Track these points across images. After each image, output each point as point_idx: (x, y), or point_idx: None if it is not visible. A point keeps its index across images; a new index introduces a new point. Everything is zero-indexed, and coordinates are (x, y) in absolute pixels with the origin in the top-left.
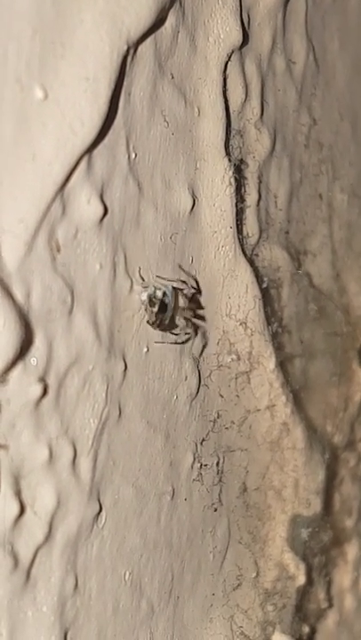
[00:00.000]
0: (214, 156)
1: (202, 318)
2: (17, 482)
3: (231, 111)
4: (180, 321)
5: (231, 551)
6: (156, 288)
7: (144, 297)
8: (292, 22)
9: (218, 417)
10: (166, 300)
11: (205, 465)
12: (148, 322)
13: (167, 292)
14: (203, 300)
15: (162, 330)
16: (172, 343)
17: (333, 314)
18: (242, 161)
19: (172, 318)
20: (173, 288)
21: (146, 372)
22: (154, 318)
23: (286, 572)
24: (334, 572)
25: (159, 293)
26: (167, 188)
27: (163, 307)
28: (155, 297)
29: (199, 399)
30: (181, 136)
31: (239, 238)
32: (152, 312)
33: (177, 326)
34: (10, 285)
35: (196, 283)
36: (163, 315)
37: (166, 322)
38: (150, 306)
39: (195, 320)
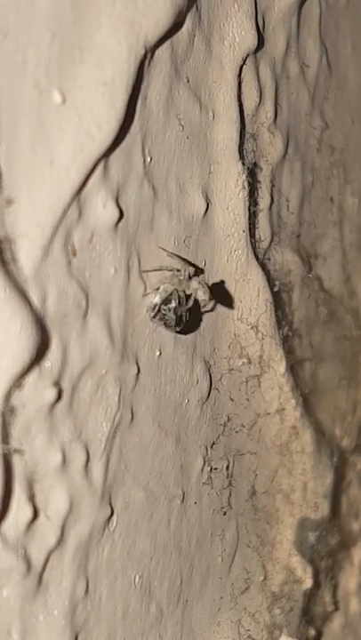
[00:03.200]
0: (228, 159)
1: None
2: (31, 486)
3: (245, 115)
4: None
5: (239, 554)
6: (166, 291)
7: (156, 300)
8: (306, 26)
9: (228, 420)
10: (181, 295)
11: (215, 468)
12: (164, 323)
13: (178, 290)
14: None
15: (180, 331)
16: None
17: (343, 317)
18: (255, 164)
19: (192, 320)
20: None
21: (158, 376)
22: (172, 314)
23: (294, 575)
24: (340, 575)
25: (172, 290)
26: (181, 191)
27: (181, 302)
28: (171, 294)
29: (210, 403)
30: (196, 139)
31: (251, 242)
32: (169, 310)
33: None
34: (27, 290)
35: (192, 264)
36: (180, 310)
37: (184, 319)
38: (165, 304)
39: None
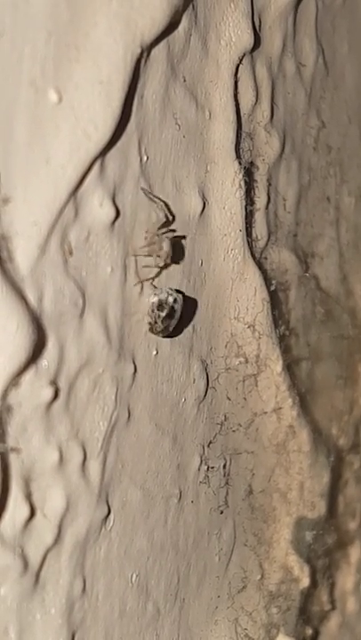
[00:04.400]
0: (225, 158)
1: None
2: (27, 485)
3: (242, 114)
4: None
5: (236, 553)
6: (168, 294)
7: (154, 300)
8: (302, 25)
9: (225, 419)
10: (176, 307)
11: (212, 467)
12: (150, 328)
13: (178, 300)
14: (211, 303)
15: (164, 336)
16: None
17: (340, 317)
18: (252, 164)
19: (177, 328)
20: (183, 297)
21: (155, 375)
22: (160, 323)
23: (291, 574)
24: (337, 574)
25: (171, 299)
26: (178, 190)
27: (171, 313)
28: (166, 302)
29: (207, 402)
30: (192, 139)
31: (248, 241)
32: (159, 316)
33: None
34: (23, 289)
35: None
36: (169, 322)
37: (171, 330)
38: (158, 310)
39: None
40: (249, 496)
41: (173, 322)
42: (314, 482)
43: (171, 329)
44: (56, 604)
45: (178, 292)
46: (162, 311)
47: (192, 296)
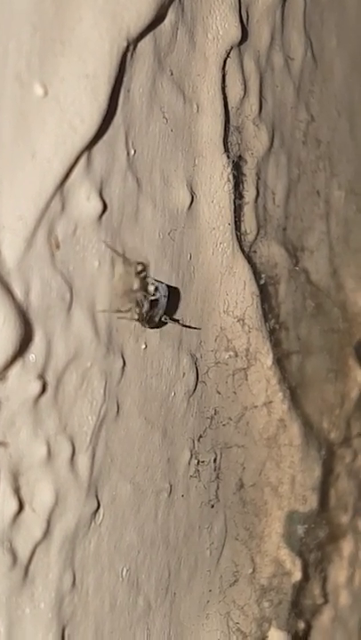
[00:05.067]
0: (213, 152)
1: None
2: (16, 479)
3: (230, 108)
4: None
5: (228, 547)
6: (148, 283)
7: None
8: (290, 19)
9: (215, 413)
10: (157, 295)
11: (202, 461)
12: (137, 319)
13: (160, 288)
14: (200, 297)
15: (152, 327)
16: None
17: (330, 310)
18: (240, 157)
19: (163, 317)
20: (168, 288)
21: (144, 369)
22: (144, 314)
23: (282, 568)
24: (330, 568)
25: (152, 288)
26: (166, 184)
27: (155, 302)
28: (147, 292)
29: (197, 396)
30: (180, 132)
31: (237, 235)
32: (143, 306)
33: (165, 323)
34: (9, 282)
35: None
36: (154, 311)
37: (156, 319)
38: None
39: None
40: (240, 490)
41: (158, 311)
42: (305, 475)
43: (156, 319)
44: (45, 598)
45: (159, 282)
46: (145, 301)
47: (181, 290)
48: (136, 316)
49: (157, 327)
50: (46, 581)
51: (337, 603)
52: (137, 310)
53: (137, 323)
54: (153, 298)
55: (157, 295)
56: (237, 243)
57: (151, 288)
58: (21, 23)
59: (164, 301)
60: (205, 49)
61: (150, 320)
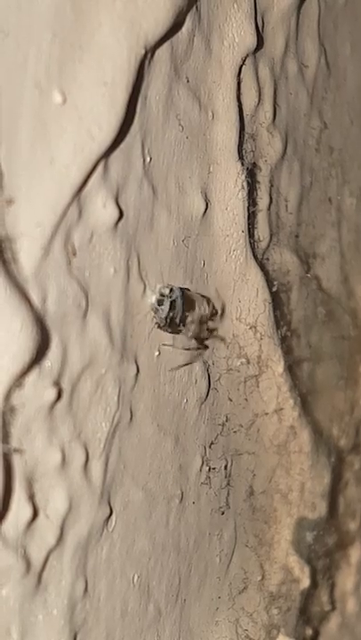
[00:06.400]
0: (227, 159)
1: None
2: (30, 485)
3: (244, 115)
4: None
5: (237, 554)
6: (163, 287)
7: (152, 298)
8: (304, 26)
9: (226, 420)
10: (174, 296)
11: (214, 468)
12: (157, 324)
13: (175, 289)
14: (213, 303)
15: (172, 332)
16: (181, 348)
17: (341, 317)
18: (254, 164)
19: (183, 319)
20: (181, 290)
21: (157, 376)
22: (163, 317)
23: (291, 575)
24: (338, 574)
25: (166, 291)
26: (181, 191)
27: (172, 305)
28: (162, 295)
29: (208, 403)
30: (195, 140)
31: (250, 242)
32: (161, 311)
33: (189, 331)
34: (27, 289)
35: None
36: (172, 312)
37: (177, 321)
38: (159, 305)
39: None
40: (250, 497)
41: (177, 313)
42: (315, 482)
43: (177, 321)
44: (58, 604)
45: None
46: (162, 305)
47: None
48: (159, 321)
49: (177, 332)
50: (59, 588)
51: (344, 610)
52: (157, 315)
53: (152, 329)
54: (171, 299)
55: (174, 296)
56: (250, 250)
57: (166, 290)
58: (41, 29)
59: (180, 302)
60: (221, 56)
61: (172, 323)
